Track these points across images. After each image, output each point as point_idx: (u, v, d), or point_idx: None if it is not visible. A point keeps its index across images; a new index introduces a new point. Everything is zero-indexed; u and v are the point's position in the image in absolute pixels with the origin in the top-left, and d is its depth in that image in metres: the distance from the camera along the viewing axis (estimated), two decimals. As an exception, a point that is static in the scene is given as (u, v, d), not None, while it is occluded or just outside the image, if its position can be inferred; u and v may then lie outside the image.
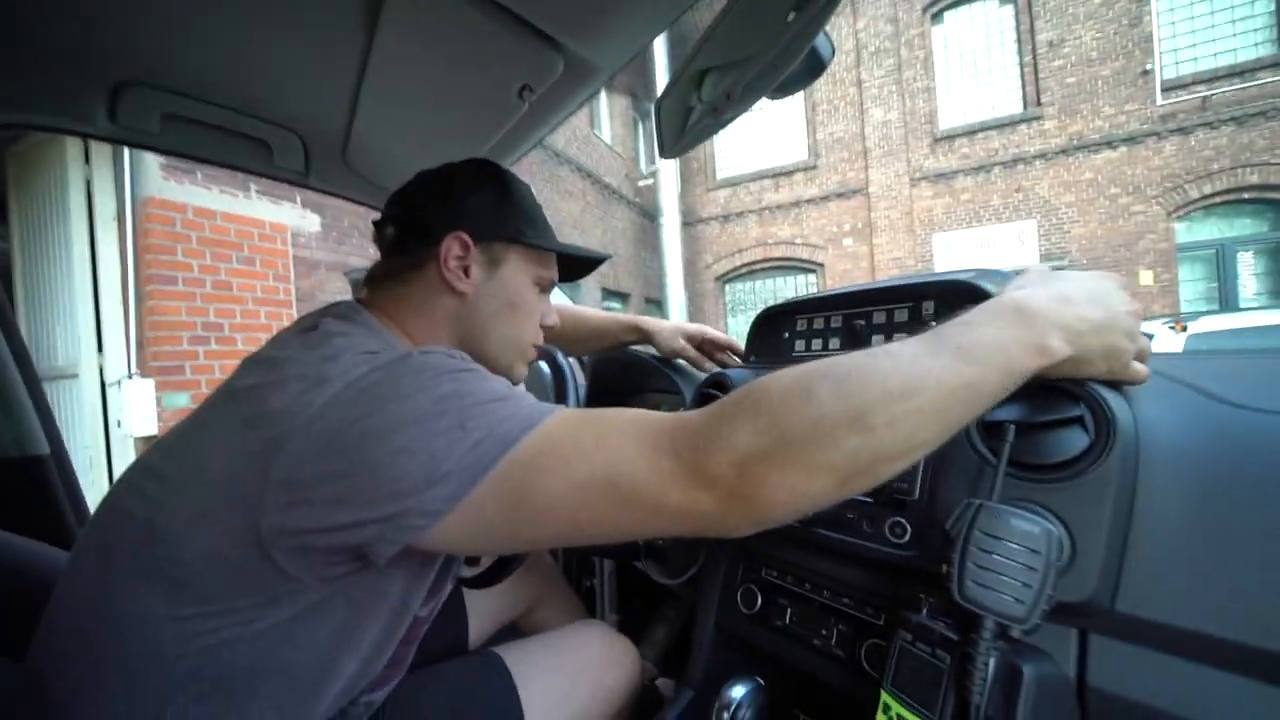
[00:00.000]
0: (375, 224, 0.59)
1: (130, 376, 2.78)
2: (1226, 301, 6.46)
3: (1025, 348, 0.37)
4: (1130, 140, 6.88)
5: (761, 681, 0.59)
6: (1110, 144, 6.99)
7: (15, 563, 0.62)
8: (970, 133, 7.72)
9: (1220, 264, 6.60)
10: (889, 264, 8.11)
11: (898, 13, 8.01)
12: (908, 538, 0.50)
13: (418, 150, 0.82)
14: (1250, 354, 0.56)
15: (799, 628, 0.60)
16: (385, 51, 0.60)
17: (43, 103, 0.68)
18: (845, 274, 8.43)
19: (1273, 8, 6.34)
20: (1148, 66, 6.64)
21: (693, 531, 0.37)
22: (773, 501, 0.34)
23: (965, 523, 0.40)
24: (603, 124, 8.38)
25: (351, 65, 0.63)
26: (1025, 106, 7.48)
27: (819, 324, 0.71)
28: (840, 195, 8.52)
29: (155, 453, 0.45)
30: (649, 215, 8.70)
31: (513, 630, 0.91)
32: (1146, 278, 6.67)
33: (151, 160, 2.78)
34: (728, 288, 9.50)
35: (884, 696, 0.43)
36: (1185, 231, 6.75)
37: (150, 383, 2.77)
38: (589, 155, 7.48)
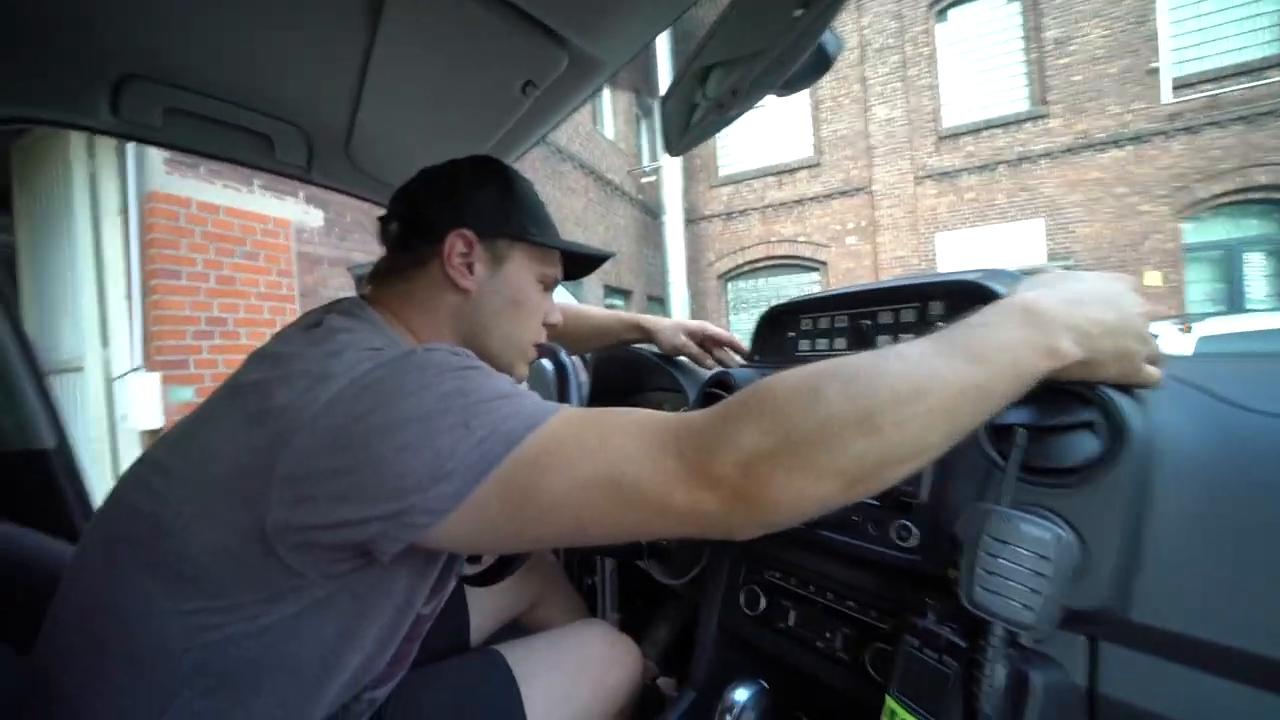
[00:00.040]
0: (380, 220, 0.59)
1: (135, 370, 2.78)
2: (1234, 303, 6.42)
3: (1035, 349, 0.37)
4: (1137, 139, 6.82)
5: (765, 684, 0.58)
6: (1117, 143, 6.93)
7: (21, 555, 0.62)
8: (975, 131, 7.67)
9: (1228, 265, 6.55)
10: (892, 263, 8.08)
11: (902, 9, 7.95)
12: (914, 541, 0.50)
13: (420, 145, 0.82)
14: (1263, 357, 0.56)
15: (802, 630, 0.59)
16: (388, 45, 0.60)
17: (45, 97, 0.68)
18: (848, 272, 8.40)
19: (1283, 5, 6.28)
20: (1155, 65, 6.58)
21: (698, 533, 0.36)
22: (778, 503, 0.33)
23: (974, 527, 0.40)
24: (605, 120, 8.35)
25: (354, 59, 0.63)
26: (1031, 105, 7.42)
27: (824, 324, 0.70)
28: (844, 193, 8.48)
29: (161, 447, 0.45)
30: (651, 212, 8.68)
31: (514, 628, 0.91)
32: (1153, 278, 6.62)
33: (155, 154, 2.78)
34: (730, 285, 9.48)
35: (889, 702, 0.43)
36: (1193, 232, 6.70)
37: (156, 376, 2.78)
38: (591, 151, 7.46)
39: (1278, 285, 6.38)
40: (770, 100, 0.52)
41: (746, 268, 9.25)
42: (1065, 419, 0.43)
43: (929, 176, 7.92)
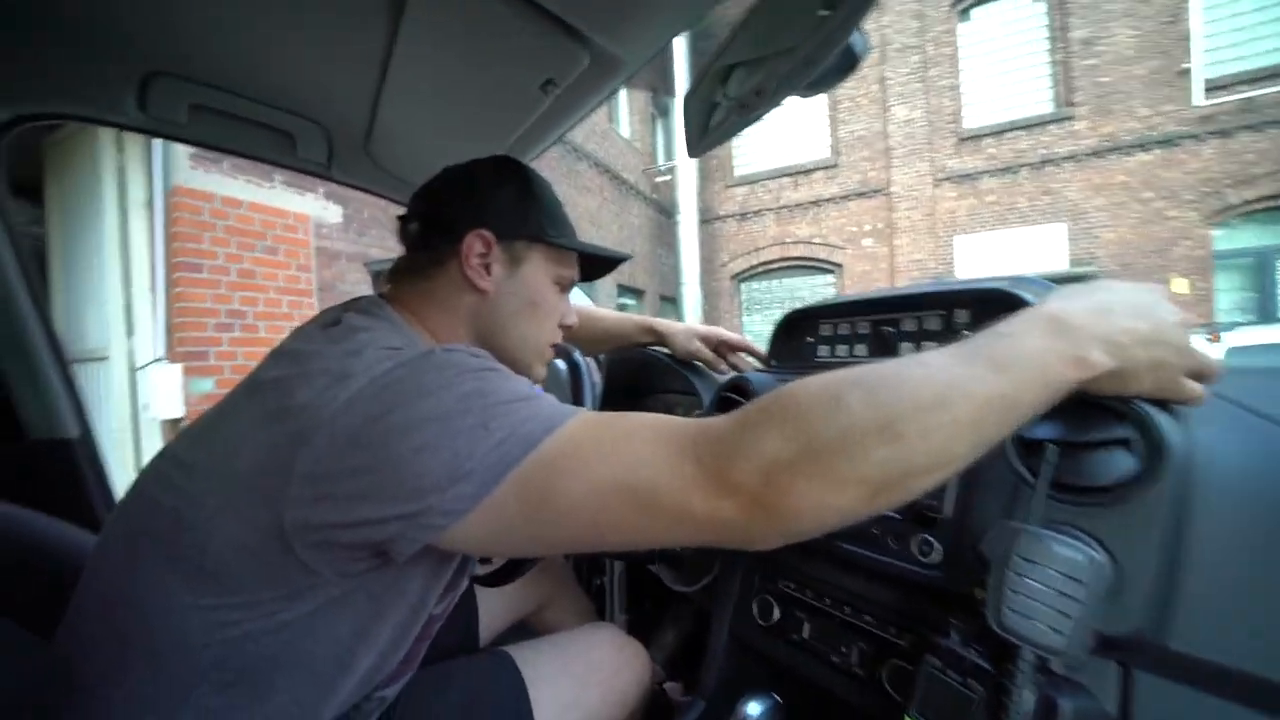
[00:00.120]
0: (400, 219, 0.59)
1: (158, 360, 2.85)
2: (1265, 312, 6.22)
3: (1063, 359, 0.36)
4: (1166, 142, 6.64)
5: (778, 699, 0.57)
6: (1144, 146, 6.75)
7: (44, 543, 0.63)
8: (997, 132, 7.52)
9: (1259, 273, 6.35)
10: (909, 266, 7.97)
11: (924, 9, 7.82)
12: (936, 557, 0.48)
13: (440, 143, 0.82)
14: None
15: (817, 643, 0.58)
16: (409, 43, 0.60)
17: (76, 94, 0.70)
18: (864, 275, 8.30)
19: (1325, 5, 6.06)
20: (1186, 65, 6.39)
21: (716, 541, 0.36)
22: (798, 513, 0.33)
23: (1002, 546, 0.38)
24: (621, 119, 8.34)
25: (376, 57, 0.63)
26: (1056, 106, 7.26)
27: (845, 329, 0.69)
28: (861, 195, 8.38)
29: (182, 441, 0.46)
30: (666, 212, 8.66)
31: (522, 628, 0.91)
32: (1180, 286, 6.44)
33: (181, 150, 2.84)
34: (743, 286, 9.43)
35: (909, 723, 0.42)
36: (1223, 238, 6.50)
37: (178, 368, 2.84)
38: (607, 150, 7.46)
39: (1312, 295, 6.18)
40: (789, 101, 0.51)
41: (760, 269, 9.19)
42: (1099, 435, 0.42)
43: (949, 179, 7.79)
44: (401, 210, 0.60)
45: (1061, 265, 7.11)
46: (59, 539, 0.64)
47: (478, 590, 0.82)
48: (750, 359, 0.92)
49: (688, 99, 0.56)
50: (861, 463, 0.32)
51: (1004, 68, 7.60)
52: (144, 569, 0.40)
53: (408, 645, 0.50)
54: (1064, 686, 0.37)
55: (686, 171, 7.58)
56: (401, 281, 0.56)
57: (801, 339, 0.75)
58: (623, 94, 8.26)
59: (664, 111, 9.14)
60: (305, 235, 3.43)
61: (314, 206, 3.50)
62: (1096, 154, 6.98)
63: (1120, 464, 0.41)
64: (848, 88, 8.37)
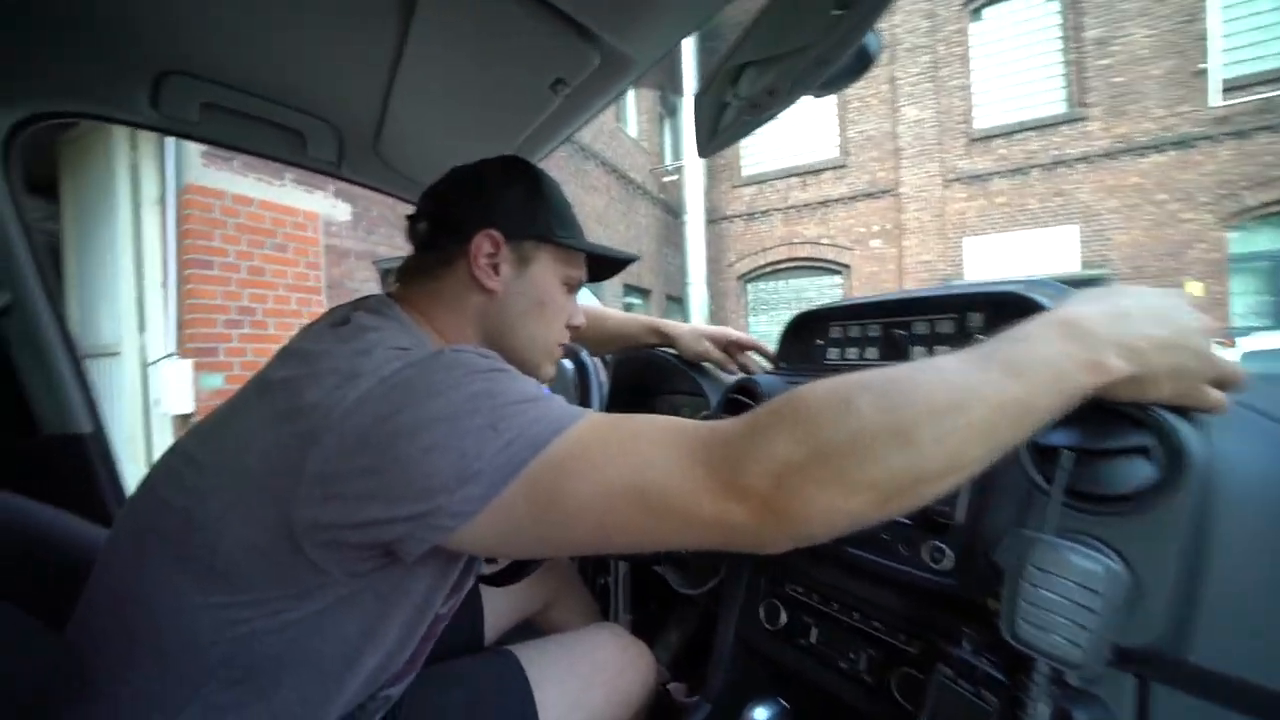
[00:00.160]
0: (409, 218, 0.59)
1: (169, 356, 2.88)
2: (1282, 317, 6.12)
3: (1078, 364, 0.35)
4: (1181, 144, 6.54)
5: (785, 704, 0.57)
6: (1159, 147, 6.66)
7: (58, 537, 0.64)
8: (1008, 133, 7.45)
9: (1277, 277, 6.24)
10: (918, 267, 7.91)
11: (935, 8, 7.76)
12: (948, 564, 0.47)
13: (449, 143, 0.82)
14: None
15: (825, 649, 0.57)
16: (420, 42, 0.60)
17: (90, 93, 0.70)
18: (872, 276, 8.25)
19: (1347, 4, 5.95)
20: (1203, 66, 6.29)
21: (725, 545, 0.35)
22: (808, 517, 0.32)
23: (1016, 555, 0.38)
24: (629, 118, 8.34)
25: (386, 55, 0.63)
26: (1068, 107, 7.18)
27: (855, 332, 0.68)
28: (869, 195, 8.33)
29: (191, 439, 0.46)
30: (673, 211, 8.64)
31: (527, 627, 0.91)
32: (1194, 289, 6.35)
33: (193, 148, 2.87)
34: (750, 287, 9.40)
35: (919, 732, 0.41)
36: (1239, 241, 6.40)
37: (188, 363, 2.87)
38: (614, 150, 7.46)
39: (1331, 299, 6.07)
40: (798, 101, 0.50)
41: (767, 269, 9.16)
42: (1117, 442, 0.41)
43: (958, 179, 7.72)
44: (410, 209, 0.60)
45: (1073, 268, 7.03)
46: (71, 533, 0.65)
47: (483, 589, 0.82)
48: (759, 358, 0.92)
49: (698, 99, 0.56)
50: (873, 467, 0.31)
51: (1016, 68, 7.53)
52: (153, 566, 0.40)
53: (414, 644, 0.50)
54: (1079, 699, 0.37)
55: (694, 171, 7.56)
56: (410, 281, 0.56)
57: (811, 341, 0.74)
58: (630, 93, 8.25)
59: (672, 111, 9.12)
60: (314, 233, 3.46)
61: (323, 204, 3.52)
62: (1109, 155, 6.89)
63: (1139, 472, 0.40)
64: (857, 88, 8.31)
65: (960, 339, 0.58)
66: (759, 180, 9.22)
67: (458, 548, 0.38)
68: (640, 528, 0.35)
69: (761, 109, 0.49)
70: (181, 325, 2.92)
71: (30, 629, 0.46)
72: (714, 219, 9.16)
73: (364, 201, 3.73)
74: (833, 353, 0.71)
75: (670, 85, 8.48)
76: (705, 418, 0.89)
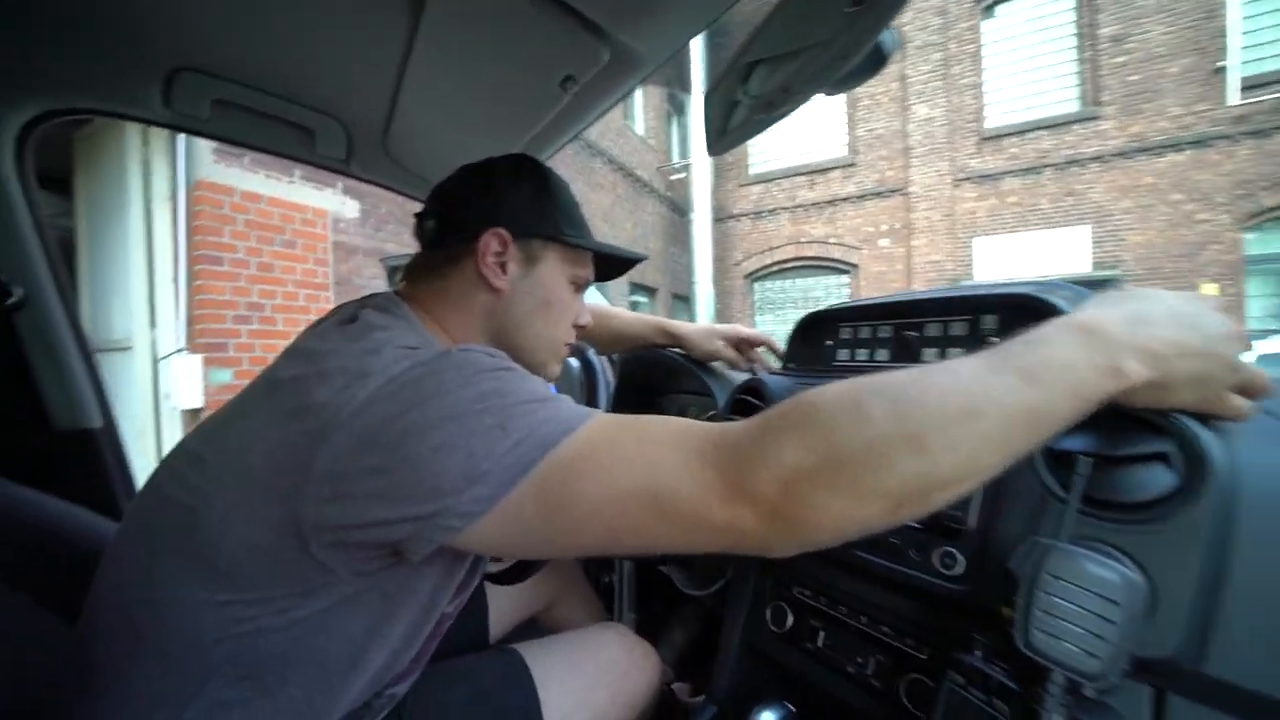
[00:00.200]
0: (416, 216, 0.59)
1: (179, 351, 2.91)
2: (1299, 320, 6.02)
3: (1096, 369, 0.35)
4: (1198, 143, 6.43)
5: (792, 708, 0.56)
6: (1176, 146, 6.55)
7: (69, 531, 0.64)
8: (1020, 132, 7.36)
9: (1294, 279, 6.15)
10: (926, 267, 7.84)
11: (947, 5, 7.67)
12: (959, 570, 0.47)
13: (457, 140, 0.82)
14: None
15: (832, 652, 0.57)
16: (429, 39, 0.59)
17: (102, 89, 0.71)
18: (880, 276, 8.19)
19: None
20: (1222, 63, 6.18)
21: (733, 549, 0.35)
22: (818, 524, 0.32)
23: (1032, 563, 0.37)
24: (636, 115, 8.32)
25: (395, 53, 0.63)
26: (1082, 105, 7.08)
27: (866, 333, 0.67)
28: (878, 194, 8.26)
29: (197, 437, 0.46)
30: (679, 210, 8.62)
31: (532, 625, 0.91)
32: (1209, 290, 6.25)
33: (204, 144, 2.89)
34: (756, 286, 9.36)
35: (929, 740, 0.40)
36: (1256, 243, 6.29)
37: (198, 358, 2.90)
38: (621, 147, 7.44)
39: (1350, 302, 5.96)
40: (812, 99, 0.49)
41: (774, 268, 9.11)
42: (1135, 449, 0.40)
43: (969, 179, 7.64)
44: (418, 207, 0.60)
45: (1084, 268, 6.94)
46: (82, 527, 0.66)
47: (488, 587, 0.82)
48: (769, 356, 0.91)
49: (709, 96, 0.55)
50: (885, 474, 0.31)
51: (1029, 66, 7.43)
52: (159, 564, 0.40)
53: (419, 644, 0.50)
54: (1094, 710, 0.36)
55: (701, 169, 7.54)
56: (417, 279, 0.56)
57: (820, 342, 0.73)
58: (638, 91, 8.23)
59: (680, 109, 9.09)
60: (323, 230, 3.48)
61: (332, 201, 3.54)
62: (1123, 155, 6.79)
63: (1158, 480, 0.39)
64: (866, 86, 8.22)
65: (974, 342, 0.57)
66: (766, 179, 9.17)
67: (465, 548, 0.38)
68: (649, 530, 0.35)
69: (774, 107, 0.49)
70: (191, 320, 2.95)
71: (43, 623, 0.46)
72: (721, 217, 9.13)
73: (372, 199, 3.75)
74: (842, 354, 0.70)
75: (678, 83, 8.45)
76: (712, 418, 0.88)
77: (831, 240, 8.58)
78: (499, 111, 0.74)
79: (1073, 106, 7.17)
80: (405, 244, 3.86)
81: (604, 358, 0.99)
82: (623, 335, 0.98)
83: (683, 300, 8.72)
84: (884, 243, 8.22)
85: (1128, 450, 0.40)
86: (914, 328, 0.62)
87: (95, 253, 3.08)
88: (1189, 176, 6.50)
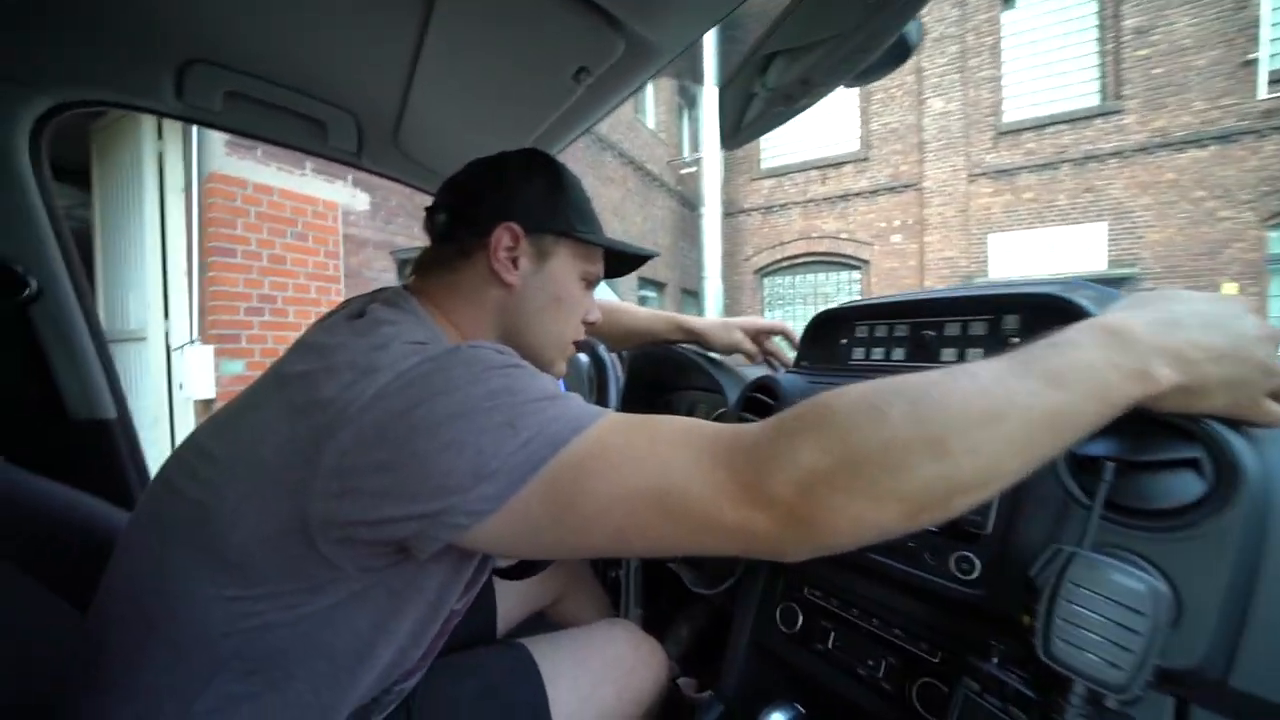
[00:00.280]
0: (427, 210, 0.59)
1: (192, 342, 2.94)
2: (1323, 320, 5.87)
3: (1124, 374, 0.34)
4: (1223, 138, 6.26)
5: (802, 710, 0.56)
6: (1199, 142, 6.39)
7: (83, 520, 0.65)
8: (1038, 127, 7.21)
9: (1320, 278, 5.99)
10: (939, 264, 7.74)
11: (966, -5, 7.53)
12: (976, 575, 0.46)
13: (469, 133, 0.81)
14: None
15: (843, 654, 0.56)
16: (442, 30, 0.59)
17: (116, 81, 0.71)
18: (891, 272, 8.10)
19: None
20: (1251, 56, 6.00)
21: (744, 552, 0.34)
22: (834, 528, 0.31)
23: (1054, 570, 0.36)
24: (647, 109, 8.26)
25: (408, 45, 0.62)
26: (1103, 99, 6.92)
27: (882, 332, 0.66)
28: (891, 189, 8.15)
29: (208, 430, 0.46)
30: (690, 204, 8.56)
31: (539, 619, 0.91)
32: (1230, 289, 6.11)
33: (216, 137, 2.91)
34: (766, 281, 9.29)
35: (943, 747, 0.40)
36: (1280, 241, 6.15)
37: (210, 349, 2.93)
38: (632, 141, 7.40)
39: (1377, 303, 5.80)
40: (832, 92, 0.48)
41: (784, 263, 9.04)
42: (1162, 455, 0.39)
43: (984, 174, 7.51)
44: (428, 200, 0.59)
45: (1099, 266, 6.82)
46: (95, 516, 0.66)
47: (496, 581, 0.82)
48: (786, 345, 0.90)
49: (725, 89, 0.54)
50: (904, 476, 0.30)
51: (1048, 59, 7.27)
52: (168, 557, 0.41)
53: (427, 641, 0.50)
54: (1113, 719, 0.35)
55: (712, 163, 7.47)
56: (427, 273, 0.56)
57: (836, 340, 0.72)
58: (650, 84, 8.16)
59: (691, 102, 9.01)
60: (334, 222, 3.50)
61: (343, 194, 3.56)
62: (1145, 150, 6.64)
63: (1187, 487, 0.38)
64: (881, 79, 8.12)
65: (994, 342, 0.56)
66: (778, 173, 9.08)
67: (472, 547, 0.37)
68: (659, 532, 0.34)
69: (793, 100, 0.48)
70: (204, 312, 2.98)
71: (56, 611, 0.47)
72: (731, 212, 9.06)
73: (382, 191, 3.76)
74: (857, 353, 0.69)
75: (690, 75, 8.36)
76: (722, 415, 0.87)
77: (843, 235, 8.49)
78: (511, 104, 0.74)
79: (1093, 100, 7.01)
80: (415, 237, 3.88)
81: (614, 354, 0.98)
82: (635, 331, 0.97)
83: (692, 295, 8.69)
84: (896, 238, 8.12)
85: (1155, 456, 0.39)
86: (932, 327, 0.61)
87: (111, 244, 3.12)
88: (1212, 172, 6.34)
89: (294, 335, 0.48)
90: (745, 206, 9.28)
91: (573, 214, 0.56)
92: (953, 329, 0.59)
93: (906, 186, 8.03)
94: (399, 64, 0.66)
